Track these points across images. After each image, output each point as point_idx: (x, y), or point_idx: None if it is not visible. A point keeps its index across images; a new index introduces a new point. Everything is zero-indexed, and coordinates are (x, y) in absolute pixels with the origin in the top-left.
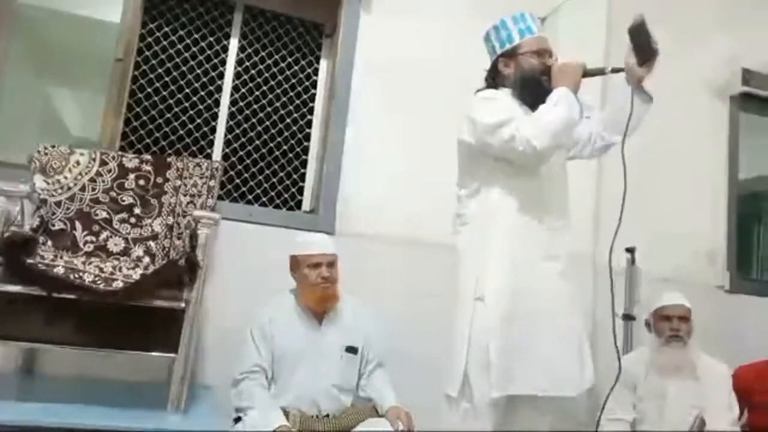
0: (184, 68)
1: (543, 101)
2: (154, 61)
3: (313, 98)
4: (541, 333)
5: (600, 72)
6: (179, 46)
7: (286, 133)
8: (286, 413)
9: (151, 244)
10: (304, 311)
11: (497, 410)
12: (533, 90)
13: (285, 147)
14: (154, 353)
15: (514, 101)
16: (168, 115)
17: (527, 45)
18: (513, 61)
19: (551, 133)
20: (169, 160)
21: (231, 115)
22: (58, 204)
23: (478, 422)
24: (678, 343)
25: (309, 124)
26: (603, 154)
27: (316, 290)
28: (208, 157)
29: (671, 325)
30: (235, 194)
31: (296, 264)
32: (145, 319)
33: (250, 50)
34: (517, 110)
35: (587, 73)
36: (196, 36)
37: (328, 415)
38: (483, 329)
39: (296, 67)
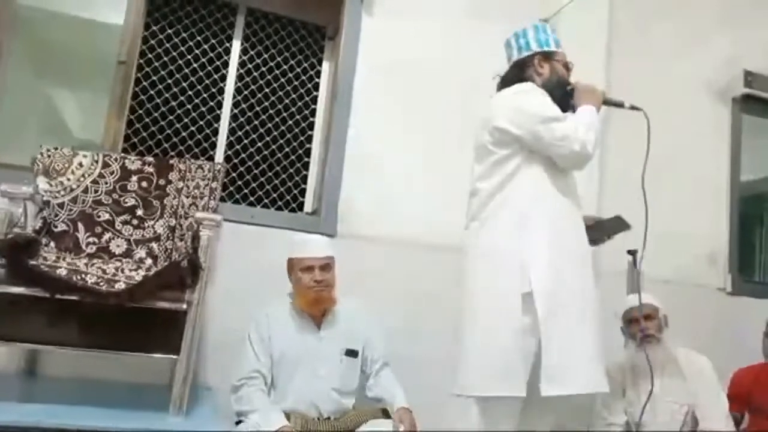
0: (186, 70)
1: (564, 109)
2: (156, 63)
3: (315, 100)
4: (583, 329)
5: (619, 104)
6: (182, 49)
7: (288, 135)
8: (287, 415)
9: (154, 245)
10: (301, 315)
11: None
12: (560, 96)
13: (287, 149)
14: (156, 355)
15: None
16: (170, 117)
17: (561, 55)
18: (548, 63)
19: (594, 141)
20: (171, 162)
21: (233, 117)
22: (61, 206)
23: (504, 422)
24: (650, 343)
25: (311, 126)
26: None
27: (309, 293)
28: (211, 158)
29: (638, 326)
30: (237, 196)
31: (291, 267)
32: (147, 320)
33: (252, 52)
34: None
35: (606, 101)
36: (198, 38)
37: (329, 418)
38: (532, 325)
39: (298, 69)
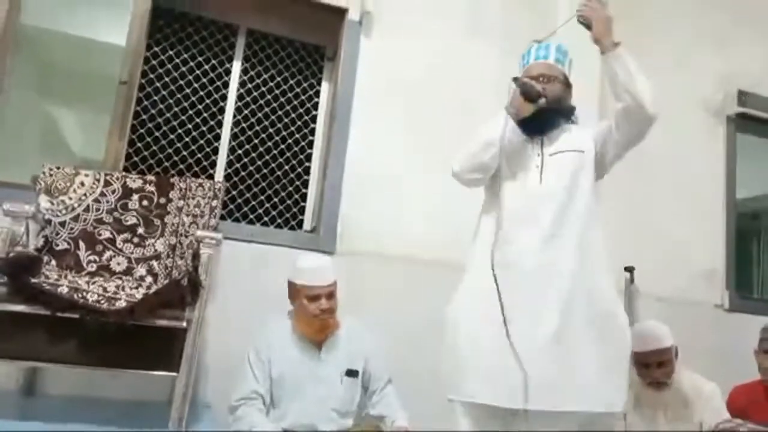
0: (187, 90)
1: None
2: (158, 83)
3: (314, 120)
4: (485, 341)
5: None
6: (183, 69)
7: (287, 154)
8: None
9: (154, 263)
10: (302, 337)
11: (475, 416)
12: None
13: (286, 167)
14: (155, 372)
15: (509, 124)
16: (171, 137)
17: (526, 72)
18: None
19: (466, 155)
20: (172, 180)
21: (233, 136)
22: (63, 224)
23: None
24: (660, 388)
25: (310, 144)
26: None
27: (314, 322)
28: (211, 177)
29: (650, 373)
30: (237, 214)
31: (295, 292)
32: (147, 338)
33: (252, 73)
34: (497, 134)
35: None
36: (199, 59)
37: None
38: (452, 337)
39: (298, 90)
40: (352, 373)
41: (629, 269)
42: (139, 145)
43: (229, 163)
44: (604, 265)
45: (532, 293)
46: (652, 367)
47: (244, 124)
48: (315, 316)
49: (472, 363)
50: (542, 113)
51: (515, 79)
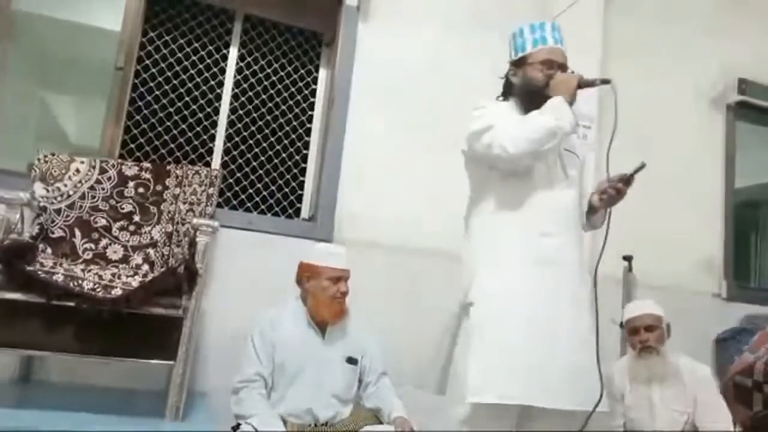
0: (184, 77)
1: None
2: (154, 70)
3: (312, 107)
4: (534, 340)
5: (592, 83)
6: (179, 55)
7: (285, 141)
8: (284, 422)
9: (150, 251)
10: (309, 321)
11: (500, 416)
12: (534, 101)
13: (284, 155)
14: (152, 361)
15: (514, 111)
16: (168, 123)
17: (536, 55)
18: (521, 70)
19: (529, 138)
20: (168, 168)
21: (230, 123)
22: (58, 211)
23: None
24: (650, 354)
25: (308, 132)
26: None
27: (334, 304)
28: (208, 164)
29: (639, 337)
30: (234, 202)
31: (315, 274)
32: (144, 326)
33: (249, 59)
34: (511, 119)
35: (581, 85)
36: (196, 45)
37: (325, 424)
38: (471, 334)
39: (295, 76)
40: (352, 360)
41: (627, 258)
42: (135, 131)
43: (226, 151)
44: None
45: (571, 289)
46: (641, 331)
47: (241, 111)
48: (335, 298)
49: (516, 363)
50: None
51: (606, 81)
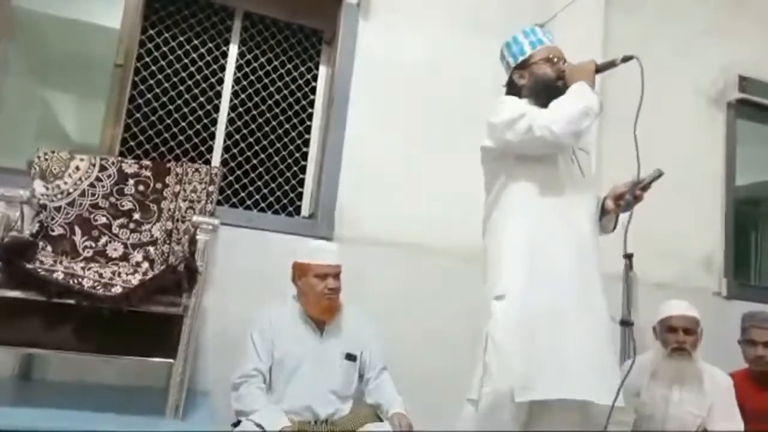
0: (183, 74)
1: None
2: (153, 67)
3: (312, 104)
4: (565, 332)
5: (611, 64)
6: (179, 52)
7: (285, 139)
8: None
9: (150, 249)
10: (305, 319)
11: (520, 412)
12: (549, 93)
13: (284, 153)
14: (152, 359)
15: (532, 107)
16: (168, 121)
17: (538, 54)
18: (527, 71)
19: (567, 119)
20: (168, 165)
21: (230, 121)
22: (58, 209)
23: (496, 424)
24: (682, 356)
25: (308, 129)
26: None
27: (322, 300)
28: (208, 162)
29: (676, 338)
30: (234, 200)
31: (304, 272)
32: (144, 324)
33: (249, 56)
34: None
35: (599, 68)
36: (195, 42)
37: (326, 421)
38: (502, 329)
39: (295, 74)
40: (350, 356)
41: (628, 256)
42: (135, 129)
43: (226, 148)
44: None
45: (597, 281)
46: (679, 331)
47: (241, 109)
48: (323, 294)
49: (551, 356)
50: None
51: (629, 58)
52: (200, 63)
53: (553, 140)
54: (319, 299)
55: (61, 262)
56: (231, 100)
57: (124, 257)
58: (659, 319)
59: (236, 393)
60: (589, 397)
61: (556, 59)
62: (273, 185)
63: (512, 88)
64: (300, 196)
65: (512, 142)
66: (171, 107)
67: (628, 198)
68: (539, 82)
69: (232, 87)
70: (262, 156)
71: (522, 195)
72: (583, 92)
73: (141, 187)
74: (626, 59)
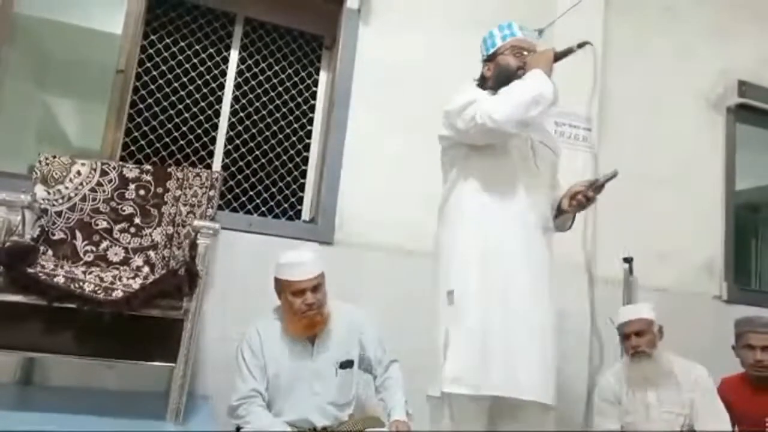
0: (184, 79)
1: None
2: (155, 72)
3: (312, 109)
4: (511, 329)
5: (569, 51)
6: (180, 58)
7: (285, 144)
8: None
9: (151, 253)
10: (293, 336)
11: (480, 408)
12: (509, 83)
13: (284, 157)
14: (153, 363)
15: (484, 95)
16: (169, 126)
17: (506, 46)
18: (493, 63)
19: (511, 106)
20: (169, 170)
21: (231, 126)
22: (59, 214)
23: (458, 422)
24: (641, 358)
25: (308, 134)
26: None
27: (302, 320)
28: (209, 167)
29: (630, 343)
30: (235, 204)
31: (282, 288)
32: (145, 328)
33: (250, 62)
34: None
35: (558, 56)
36: (197, 47)
37: (325, 429)
38: (453, 324)
39: (296, 79)
40: (345, 364)
41: (628, 260)
42: (136, 134)
43: (227, 153)
44: None
45: (543, 279)
46: (631, 337)
47: (241, 114)
48: (302, 312)
49: (494, 354)
50: None
51: (584, 44)
52: (201, 68)
53: (494, 127)
54: (299, 318)
55: (62, 267)
56: (232, 105)
57: (125, 261)
58: (617, 329)
59: (235, 414)
60: (537, 398)
61: (522, 50)
62: (273, 189)
63: (482, 81)
64: (300, 200)
65: (461, 130)
66: (172, 112)
67: (580, 199)
68: (501, 73)
69: (233, 92)
70: (263, 160)
71: (473, 190)
72: (536, 80)
73: (142, 192)
74: (581, 45)
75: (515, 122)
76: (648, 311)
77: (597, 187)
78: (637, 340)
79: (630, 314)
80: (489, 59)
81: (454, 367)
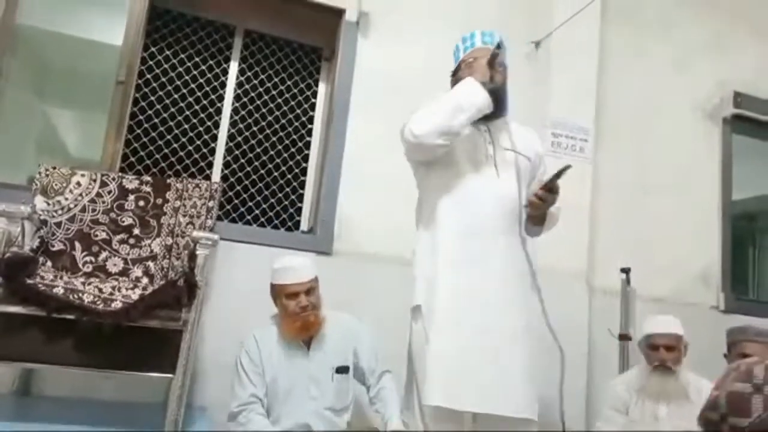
0: (184, 91)
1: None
2: (155, 84)
3: (311, 120)
4: (484, 343)
5: (495, 54)
6: (180, 69)
7: (284, 155)
8: None
9: (150, 264)
10: (289, 340)
11: (451, 423)
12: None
13: (283, 168)
14: (151, 374)
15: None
16: (168, 137)
17: (464, 58)
18: (455, 78)
19: (434, 115)
20: (168, 181)
21: (230, 137)
22: (59, 225)
23: None
24: (665, 373)
25: (307, 145)
26: None
27: (296, 321)
28: (208, 178)
29: (658, 355)
30: (234, 215)
31: (277, 293)
32: (143, 339)
33: (249, 73)
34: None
35: (489, 61)
36: (196, 59)
37: None
38: (420, 337)
39: (295, 90)
40: (341, 369)
41: (626, 270)
42: (135, 145)
43: (226, 164)
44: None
45: (505, 290)
46: (660, 349)
47: (241, 125)
48: (296, 314)
49: (457, 368)
50: (494, 94)
51: (500, 45)
52: (201, 80)
53: (415, 142)
54: (294, 320)
55: (61, 278)
56: (231, 117)
57: (124, 272)
58: (643, 336)
59: (235, 422)
60: (515, 413)
61: (471, 60)
62: (272, 200)
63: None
64: (299, 211)
65: (404, 151)
66: (172, 123)
67: (533, 200)
68: (455, 84)
69: (233, 103)
70: (262, 171)
71: (434, 205)
72: (462, 88)
73: (141, 203)
74: (499, 46)
75: (437, 134)
76: (679, 326)
77: (549, 184)
78: (666, 354)
79: (663, 327)
80: (454, 73)
81: (430, 387)
